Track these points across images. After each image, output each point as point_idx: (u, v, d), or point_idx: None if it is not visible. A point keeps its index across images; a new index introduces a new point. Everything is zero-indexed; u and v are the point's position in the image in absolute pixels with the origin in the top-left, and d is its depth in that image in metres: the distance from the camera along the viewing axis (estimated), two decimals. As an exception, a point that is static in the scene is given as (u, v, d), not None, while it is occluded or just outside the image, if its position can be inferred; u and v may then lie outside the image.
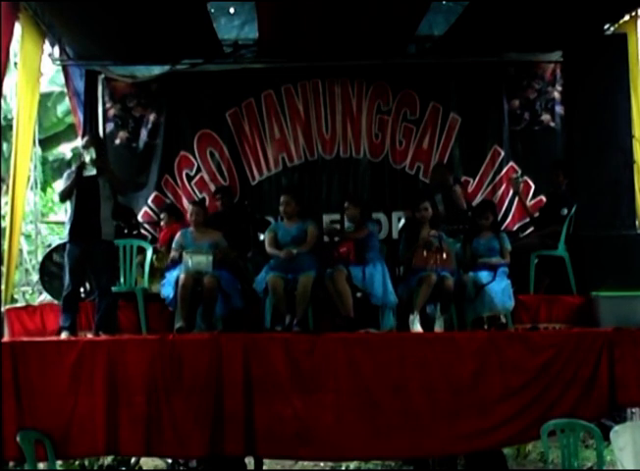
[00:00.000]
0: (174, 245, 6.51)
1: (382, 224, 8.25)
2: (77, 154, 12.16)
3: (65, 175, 6.29)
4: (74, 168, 6.16)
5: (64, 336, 5.90)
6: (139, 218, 8.26)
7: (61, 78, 9.72)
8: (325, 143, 8.67)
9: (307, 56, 8.23)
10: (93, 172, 5.97)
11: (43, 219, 10.76)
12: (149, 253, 6.78)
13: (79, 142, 9.26)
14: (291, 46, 8.01)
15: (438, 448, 5.42)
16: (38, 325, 6.62)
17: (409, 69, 8.62)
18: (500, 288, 6.27)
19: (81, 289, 6.89)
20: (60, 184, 6.19)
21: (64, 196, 6.26)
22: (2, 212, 8.30)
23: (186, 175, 8.66)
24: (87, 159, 5.98)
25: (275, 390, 5.33)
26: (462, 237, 6.87)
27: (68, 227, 6.13)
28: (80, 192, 6.05)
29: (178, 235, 6.55)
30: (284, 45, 8.03)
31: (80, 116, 8.67)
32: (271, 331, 6.05)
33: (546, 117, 8.65)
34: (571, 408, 5.28)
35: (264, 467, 6.29)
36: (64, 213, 12.32)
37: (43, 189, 12.46)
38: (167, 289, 6.30)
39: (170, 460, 6.54)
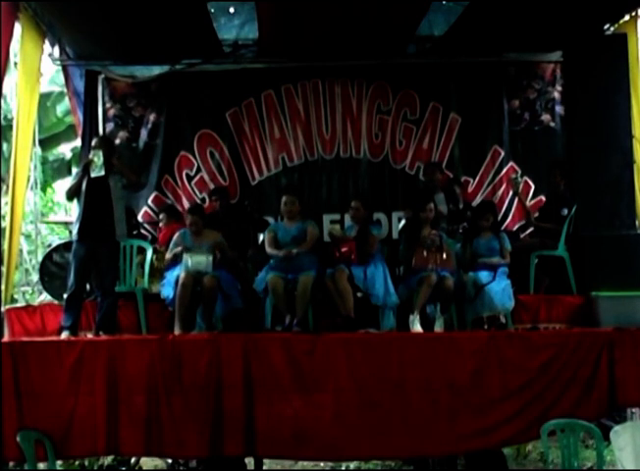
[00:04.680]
0: (171, 246, 6.47)
1: (382, 224, 8.25)
2: (77, 154, 12.16)
3: (74, 173, 6.28)
4: (82, 166, 6.18)
5: (64, 335, 5.90)
6: (139, 218, 8.27)
7: (61, 78, 9.73)
8: (325, 143, 8.67)
9: (307, 56, 8.23)
10: (102, 173, 5.96)
11: (43, 219, 10.75)
12: (149, 253, 6.78)
13: (78, 142, 9.29)
14: (291, 46, 8.02)
15: (438, 448, 5.42)
16: (38, 325, 6.62)
17: (409, 69, 8.62)
18: (500, 288, 6.27)
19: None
20: (68, 183, 6.19)
21: (70, 195, 6.27)
22: (2, 212, 8.31)
23: (187, 175, 8.66)
24: (95, 160, 5.97)
25: (275, 390, 5.33)
26: (462, 237, 6.87)
27: (76, 226, 6.13)
28: (89, 192, 6.05)
29: (176, 236, 6.51)
30: (284, 45, 8.04)
31: (80, 116, 8.68)
32: (271, 331, 6.05)
33: (546, 117, 8.66)
34: (571, 408, 5.28)
35: (264, 467, 6.28)
36: (64, 213, 12.40)
37: (43, 189, 12.46)
38: (167, 289, 6.30)
39: (170, 460, 6.54)
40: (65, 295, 6.23)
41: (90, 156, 6.06)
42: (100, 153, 5.97)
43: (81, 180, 6.08)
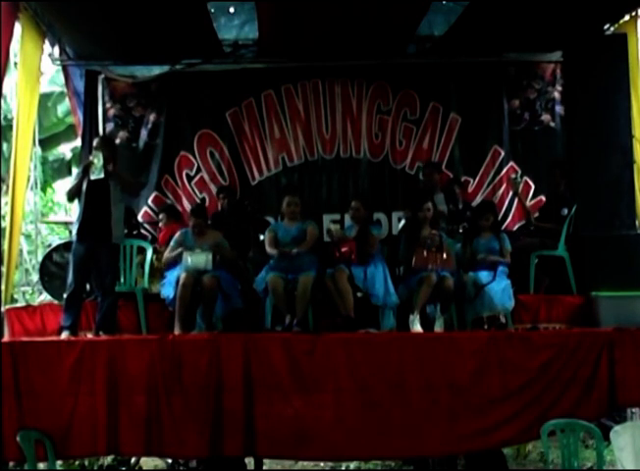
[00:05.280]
0: (172, 244, 6.47)
1: (382, 224, 8.24)
2: (77, 154, 12.16)
3: (75, 173, 6.26)
4: (82, 168, 6.18)
5: (64, 335, 5.89)
6: (139, 218, 8.26)
7: (61, 78, 9.73)
8: (325, 143, 8.67)
9: (307, 56, 8.24)
10: (101, 175, 5.96)
11: (43, 219, 10.76)
12: (149, 253, 6.78)
13: (78, 142, 9.29)
14: (291, 46, 8.02)
15: (438, 448, 5.41)
16: (38, 325, 6.62)
17: (409, 69, 8.63)
18: (500, 288, 6.27)
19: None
20: (68, 183, 6.19)
21: (71, 196, 6.26)
22: (2, 212, 8.31)
23: (186, 175, 8.66)
24: (95, 162, 5.96)
25: (275, 390, 5.33)
26: (462, 237, 6.86)
27: (76, 226, 6.13)
28: (89, 193, 6.04)
29: (177, 235, 6.53)
30: (284, 45, 8.04)
31: (80, 116, 8.69)
32: (271, 331, 6.05)
33: (546, 117, 8.66)
34: (571, 408, 5.28)
35: (264, 467, 6.28)
36: (64, 213, 12.39)
37: (43, 189, 12.46)
38: (167, 289, 6.30)
39: (170, 460, 6.54)
40: (64, 295, 6.22)
41: (90, 158, 6.06)
42: (100, 155, 5.96)
43: (82, 181, 6.07)
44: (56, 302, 6.89)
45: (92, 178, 5.97)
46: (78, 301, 6.11)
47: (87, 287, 6.71)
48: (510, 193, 8.30)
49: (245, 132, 8.67)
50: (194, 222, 6.48)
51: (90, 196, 6.05)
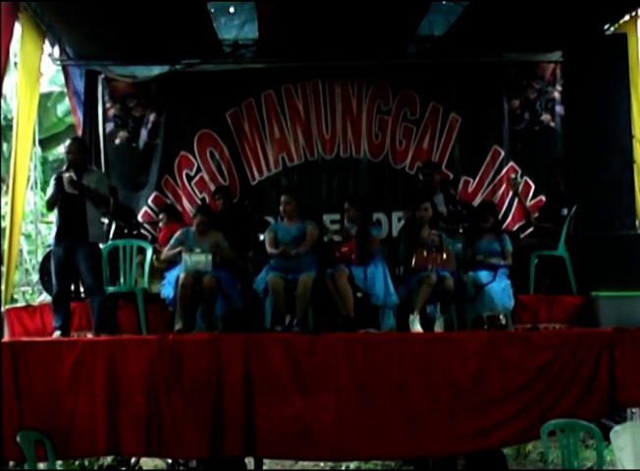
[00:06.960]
0: (172, 242, 6.47)
1: (382, 224, 8.25)
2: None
3: (52, 180, 6.17)
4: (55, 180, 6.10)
5: (56, 335, 5.89)
6: (139, 218, 8.26)
7: (61, 78, 9.74)
8: (325, 143, 8.68)
9: (307, 56, 8.25)
10: (75, 192, 5.86)
11: (43, 219, 10.75)
12: (149, 253, 6.77)
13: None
14: (291, 46, 8.02)
15: (438, 448, 5.41)
16: (38, 325, 6.62)
17: (409, 69, 8.64)
18: (500, 288, 6.27)
19: (81, 289, 6.91)
20: (48, 191, 6.13)
21: (50, 206, 6.15)
22: (2, 212, 8.31)
23: (186, 175, 8.67)
24: (67, 178, 5.85)
25: (275, 390, 5.33)
26: (464, 237, 6.86)
27: (54, 230, 6.07)
28: (65, 197, 5.95)
29: (179, 233, 6.52)
30: (284, 45, 8.05)
31: (80, 116, 8.70)
32: (271, 331, 6.05)
33: (546, 117, 8.67)
34: (571, 408, 5.28)
35: (264, 467, 6.28)
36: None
37: (43, 189, 12.42)
38: (167, 289, 6.30)
39: (170, 460, 6.54)
40: (52, 298, 6.21)
41: (65, 176, 5.90)
42: (73, 174, 5.89)
43: (58, 192, 5.95)
44: (56, 302, 6.89)
45: (67, 190, 5.87)
46: (64, 302, 6.08)
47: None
48: (510, 193, 8.31)
49: (245, 132, 8.68)
50: (200, 219, 6.47)
51: (66, 200, 5.96)
